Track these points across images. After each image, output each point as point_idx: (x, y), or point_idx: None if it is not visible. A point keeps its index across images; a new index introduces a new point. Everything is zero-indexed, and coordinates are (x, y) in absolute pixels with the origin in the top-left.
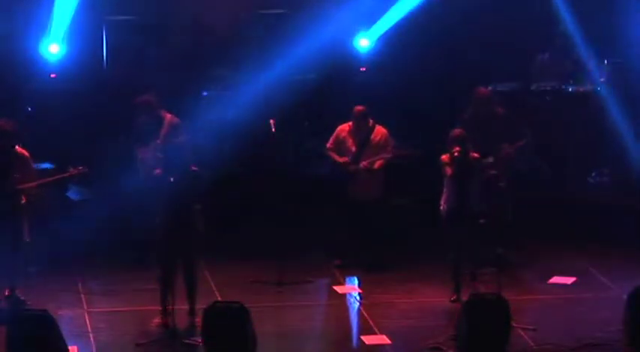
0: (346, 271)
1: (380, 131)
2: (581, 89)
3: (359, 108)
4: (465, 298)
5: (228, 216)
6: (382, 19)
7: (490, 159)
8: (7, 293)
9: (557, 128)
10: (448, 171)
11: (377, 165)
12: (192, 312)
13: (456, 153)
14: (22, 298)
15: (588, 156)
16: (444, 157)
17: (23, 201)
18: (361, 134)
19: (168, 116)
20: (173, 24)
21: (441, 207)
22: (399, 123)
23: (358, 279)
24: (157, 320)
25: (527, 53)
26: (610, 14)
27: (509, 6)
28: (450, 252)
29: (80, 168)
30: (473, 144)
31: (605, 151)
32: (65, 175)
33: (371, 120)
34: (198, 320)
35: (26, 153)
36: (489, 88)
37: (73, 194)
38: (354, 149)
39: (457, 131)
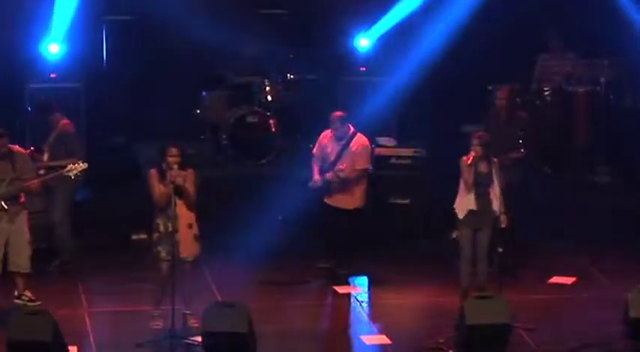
0: (345, 271)
1: (359, 140)
2: (581, 89)
3: (337, 114)
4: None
5: (228, 215)
6: (382, 20)
7: None
8: (16, 294)
9: (557, 128)
10: (464, 175)
11: (343, 174)
12: (186, 316)
13: (470, 159)
14: (33, 298)
15: (588, 155)
16: (465, 159)
17: (22, 200)
18: (340, 141)
19: (64, 122)
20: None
21: (456, 211)
22: (400, 123)
23: (358, 279)
24: (157, 320)
25: (526, 53)
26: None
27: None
28: (462, 259)
29: (79, 163)
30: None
31: (605, 151)
32: (64, 172)
33: (352, 128)
34: (193, 321)
35: (24, 151)
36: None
37: None
38: (331, 157)
39: (479, 133)
